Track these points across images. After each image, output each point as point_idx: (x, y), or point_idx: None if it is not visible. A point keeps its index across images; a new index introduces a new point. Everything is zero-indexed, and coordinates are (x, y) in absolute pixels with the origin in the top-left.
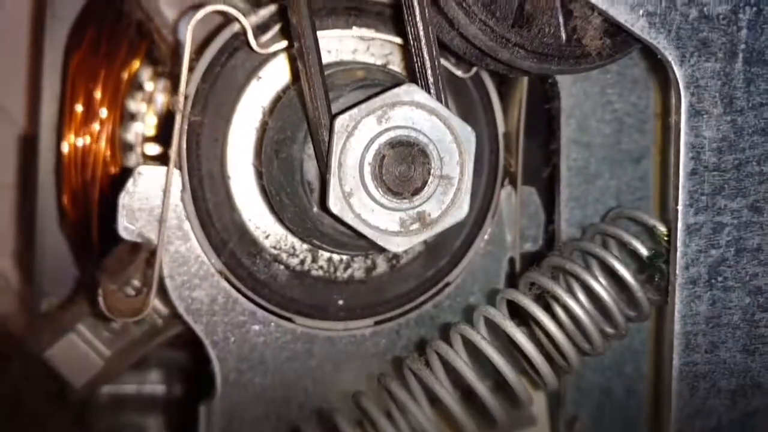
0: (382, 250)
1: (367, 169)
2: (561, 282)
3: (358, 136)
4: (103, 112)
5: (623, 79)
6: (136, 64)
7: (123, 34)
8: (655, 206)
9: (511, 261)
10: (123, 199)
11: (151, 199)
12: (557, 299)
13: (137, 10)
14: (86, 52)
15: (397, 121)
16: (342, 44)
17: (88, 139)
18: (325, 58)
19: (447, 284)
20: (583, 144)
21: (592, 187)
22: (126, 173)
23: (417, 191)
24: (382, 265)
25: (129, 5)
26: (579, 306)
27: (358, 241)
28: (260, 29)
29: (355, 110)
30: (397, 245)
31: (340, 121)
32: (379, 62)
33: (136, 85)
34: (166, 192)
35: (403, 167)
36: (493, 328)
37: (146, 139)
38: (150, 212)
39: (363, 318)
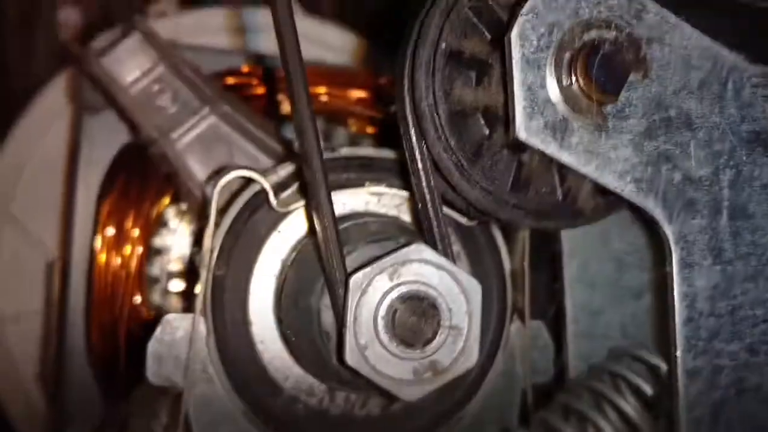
0: (397, 398)
1: (380, 323)
2: (572, 421)
3: (372, 292)
4: (130, 250)
5: (621, 222)
6: (163, 204)
7: (152, 181)
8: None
9: (523, 393)
10: (152, 346)
11: (177, 345)
12: None
13: (165, 165)
14: (117, 196)
15: (407, 277)
16: (355, 198)
17: (115, 277)
18: (339, 210)
19: (461, 418)
20: (585, 282)
21: (598, 322)
22: (155, 321)
23: (428, 342)
24: (397, 403)
25: (158, 158)
26: None
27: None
28: (280, 187)
29: (368, 269)
30: (411, 394)
31: (355, 280)
32: (391, 213)
33: (161, 223)
34: (193, 337)
35: (415, 319)
36: None
37: (171, 275)
38: (176, 358)
39: None
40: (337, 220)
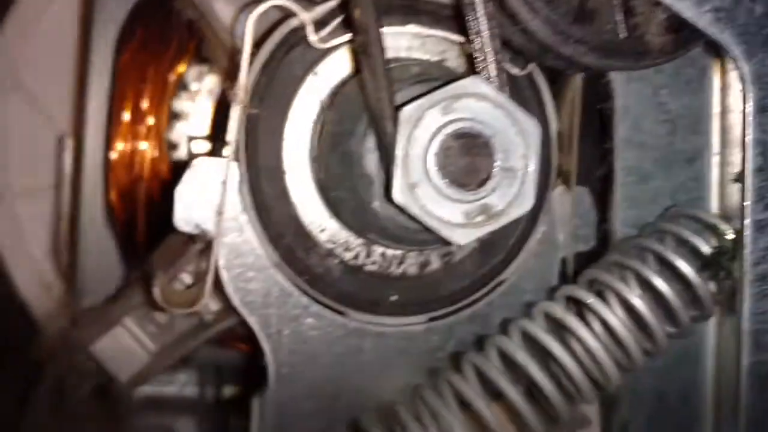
0: (445, 242)
1: (432, 160)
2: (622, 279)
3: (423, 127)
4: (151, 112)
5: (677, 80)
6: (183, 65)
7: (172, 34)
8: (714, 205)
9: (563, 261)
10: (181, 190)
11: (208, 190)
12: (619, 295)
13: (189, 9)
14: (135, 52)
15: (461, 113)
16: (397, 41)
17: (135, 139)
18: None
19: (500, 282)
20: (636, 144)
21: (647, 187)
22: (183, 165)
23: (482, 183)
24: (435, 262)
25: (180, 4)
26: (641, 302)
27: (415, 236)
28: (318, 25)
29: (421, 101)
30: (461, 237)
31: (406, 112)
32: (434, 59)
33: (181, 86)
34: (225, 183)
35: (468, 159)
36: (552, 324)
37: (191, 140)
38: (207, 203)
39: (416, 314)
40: (384, 49)
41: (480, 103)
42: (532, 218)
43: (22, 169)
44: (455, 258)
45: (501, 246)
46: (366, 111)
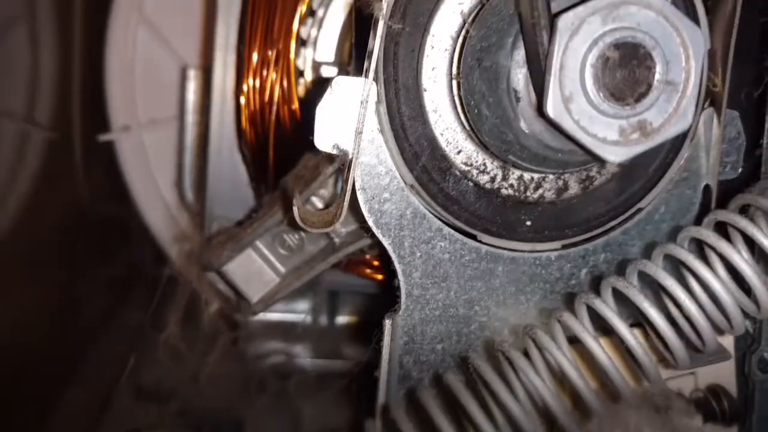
0: (600, 160)
1: (589, 72)
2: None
3: (582, 36)
4: (279, 39)
5: None
6: None
7: None
8: None
9: (707, 189)
10: (321, 109)
11: (347, 110)
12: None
13: None
14: None
15: (623, 22)
16: None
17: (266, 65)
18: None
19: (638, 210)
20: None
21: None
22: (322, 85)
23: (640, 97)
24: (574, 187)
25: None
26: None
27: (558, 156)
28: None
29: (580, 8)
30: (615, 155)
31: (565, 20)
32: None
33: (308, 12)
34: (365, 102)
35: (627, 71)
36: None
37: (319, 64)
38: (345, 123)
39: (550, 240)
40: None
41: (642, 11)
42: (676, 143)
43: (147, 101)
44: (595, 183)
45: (641, 172)
46: (517, 20)
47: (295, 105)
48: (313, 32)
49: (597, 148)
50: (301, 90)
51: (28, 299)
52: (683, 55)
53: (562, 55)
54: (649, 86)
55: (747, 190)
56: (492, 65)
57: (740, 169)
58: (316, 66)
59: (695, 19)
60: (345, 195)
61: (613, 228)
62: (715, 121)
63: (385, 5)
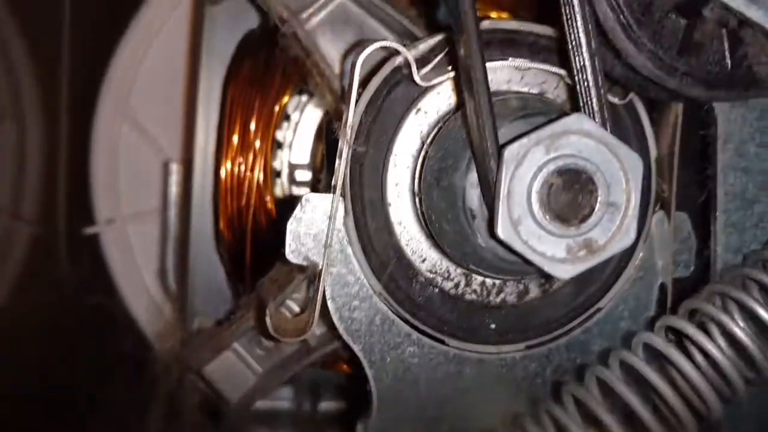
0: (548, 276)
1: (534, 197)
2: (724, 309)
3: (527, 164)
4: (257, 142)
5: None
6: (286, 96)
7: (276, 68)
8: None
9: (662, 287)
10: (291, 224)
11: (316, 224)
12: (721, 326)
13: (295, 47)
14: (242, 85)
15: (565, 150)
16: (496, 75)
17: (243, 167)
18: None
19: (598, 310)
20: (740, 169)
21: (750, 212)
22: (291, 200)
23: (584, 218)
24: (534, 291)
25: (285, 41)
26: (744, 333)
27: (515, 266)
28: (420, 62)
29: (525, 140)
30: (563, 272)
31: (510, 151)
32: (534, 91)
33: (284, 116)
34: (333, 217)
35: (571, 195)
36: (652, 355)
37: (292, 167)
38: (315, 237)
39: (514, 342)
40: (489, 87)
41: (583, 140)
42: (630, 246)
43: (131, 194)
44: (553, 286)
45: (598, 274)
46: (469, 147)
47: (271, 206)
48: (289, 135)
49: (546, 266)
50: (278, 190)
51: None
52: (623, 178)
53: (509, 182)
54: (592, 208)
55: (695, 295)
56: (449, 185)
57: (692, 268)
58: (292, 168)
59: (641, 131)
60: (316, 305)
61: (574, 328)
62: (666, 223)
63: (349, 132)
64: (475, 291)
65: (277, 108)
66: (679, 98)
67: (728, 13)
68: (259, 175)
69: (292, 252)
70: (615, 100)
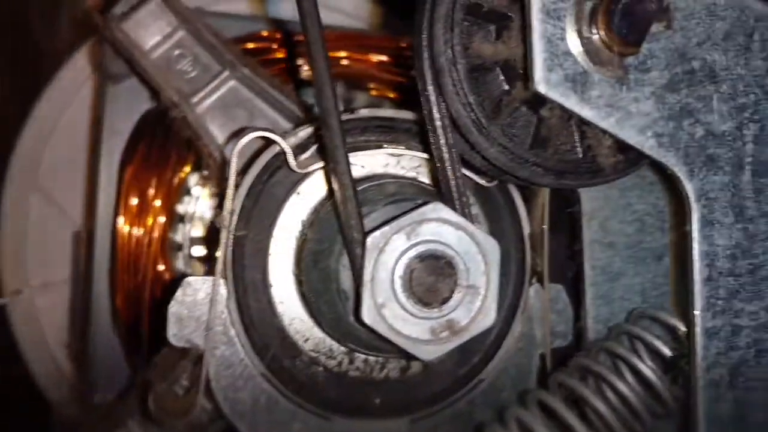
0: (413, 358)
1: (398, 282)
2: (589, 383)
3: (389, 251)
4: (153, 217)
5: (642, 182)
6: (184, 171)
7: (173, 147)
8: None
9: (542, 357)
10: (172, 307)
11: (198, 307)
12: (586, 401)
13: (186, 129)
14: (139, 163)
15: (425, 236)
16: (374, 159)
17: (139, 244)
18: (358, 173)
19: (480, 381)
20: (605, 244)
21: (617, 284)
22: (175, 283)
23: (445, 301)
24: (416, 365)
25: (179, 124)
26: (607, 407)
27: (389, 347)
28: (299, 149)
29: (386, 228)
30: (428, 354)
31: (372, 239)
32: (409, 175)
33: (184, 190)
34: (214, 300)
35: (432, 279)
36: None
37: (193, 241)
38: (197, 319)
39: (399, 416)
40: (354, 181)
41: (442, 227)
42: (508, 318)
43: (38, 265)
44: (435, 360)
45: (478, 346)
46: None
47: (169, 279)
48: (190, 209)
49: (411, 348)
50: (180, 264)
51: None
52: (482, 261)
53: (372, 269)
54: (452, 291)
55: (561, 368)
56: (325, 267)
57: (570, 338)
58: (192, 242)
59: (513, 208)
60: (200, 386)
61: (458, 400)
62: (541, 295)
63: (227, 218)
64: (358, 368)
65: (176, 181)
66: (533, 185)
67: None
68: (156, 249)
69: (174, 335)
70: (483, 182)
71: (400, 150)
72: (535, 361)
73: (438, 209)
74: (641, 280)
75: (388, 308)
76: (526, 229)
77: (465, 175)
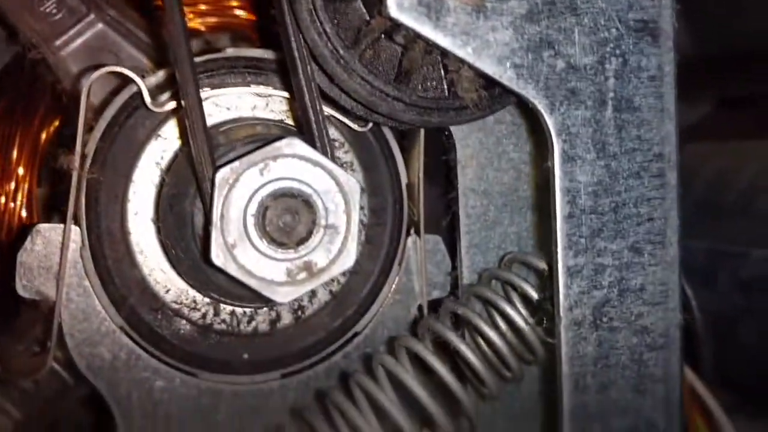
0: (267, 300)
1: (250, 221)
2: (459, 328)
3: (240, 188)
4: (20, 173)
5: (518, 130)
6: (55, 123)
7: (39, 98)
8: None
9: (420, 309)
10: (21, 257)
11: (49, 256)
12: (452, 346)
13: (48, 74)
14: (2, 117)
15: (279, 173)
16: (241, 101)
17: (3, 199)
18: (224, 115)
19: (355, 334)
20: (480, 192)
21: (493, 233)
22: (25, 231)
23: (302, 241)
24: (287, 318)
25: (41, 69)
26: (472, 353)
27: (252, 293)
28: (160, 89)
29: (236, 163)
30: (283, 295)
31: (221, 174)
32: (278, 118)
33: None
34: (63, 249)
35: (288, 218)
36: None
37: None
38: (48, 270)
39: (269, 371)
40: (203, 110)
41: (299, 163)
42: (384, 269)
43: None
44: (307, 313)
45: (354, 298)
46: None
47: None
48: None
49: (264, 290)
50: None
51: None
52: (342, 200)
53: (222, 207)
54: (311, 231)
55: (430, 314)
56: (180, 211)
57: (448, 288)
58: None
59: (391, 158)
60: (52, 341)
61: (333, 354)
62: (419, 246)
63: (78, 158)
64: (224, 321)
65: (44, 136)
66: (397, 123)
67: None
68: (21, 206)
69: (23, 287)
70: (356, 127)
71: (268, 90)
72: (412, 313)
73: (294, 144)
74: (517, 229)
75: (240, 248)
76: (404, 179)
77: (337, 118)
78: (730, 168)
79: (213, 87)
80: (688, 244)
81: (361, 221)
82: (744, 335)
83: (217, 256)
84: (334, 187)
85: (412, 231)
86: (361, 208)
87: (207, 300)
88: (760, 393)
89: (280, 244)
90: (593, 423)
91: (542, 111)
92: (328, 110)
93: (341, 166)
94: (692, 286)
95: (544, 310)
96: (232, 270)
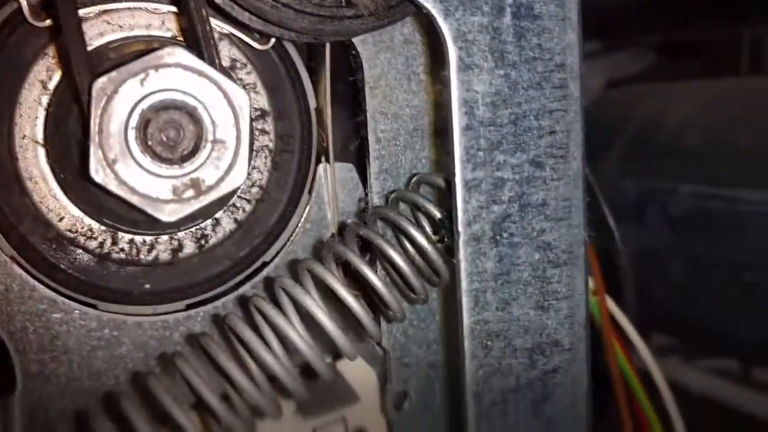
0: (154, 220)
1: (131, 135)
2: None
3: (120, 100)
4: None
5: (428, 51)
6: None
7: None
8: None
9: (333, 237)
10: None
11: None
12: (352, 266)
13: None
14: None
15: (161, 84)
16: (135, 19)
17: None
18: (118, 34)
19: (264, 264)
20: (390, 115)
21: (403, 158)
22: None
23: (188, 157)
24: (189, 246)
25: None
26: (373, 272)
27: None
28: (45, 5)
29: (114, 73)
30: (168, 213)
31: (99, 84)
32: (174, 35)
33: None
34: None
35: (171, 132)
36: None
37: None
38: None
39: (173, 302)
40: (79, 17)
41: (183, 74)
42: (293, 197)
43: None
44: (211, 241)
45: (262, 227)
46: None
47: None
48: None
49: (149, 208)
50: None
51: None
52: (230, 113)
53: (100, 120)
54: (197, 146)
55: (334, 238)
56: (65, 131)
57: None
58: None
59: (298, 80)
60: None
61: (241, 283)
62: (330, 173)
63: None
64: (123, 249)
65: None
66: (300, 36)
67: None
68: None
69: None
70: (256, 45)
71: (161, 6)
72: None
73: (176, 53)
74: (429, 153)
75: (122, 164)
76: (312, 103)
77: (237, 37)
78: (662, 108)
79: (103, 1)
80: (620, 183)
81: (267, 147)
82: (673, 272)
83: (97, 172)
84: (222, 100)
85: (323, 158)
86: (267, 132)
87: (103, 228)
88: (690, 332)
89: (165, 160)
90: (494, 340)
91: (436, 16)
92: (227, 27)
93: (244, 87)
94: (623, 224)
95: (446, 229)
96: (113, 187)
